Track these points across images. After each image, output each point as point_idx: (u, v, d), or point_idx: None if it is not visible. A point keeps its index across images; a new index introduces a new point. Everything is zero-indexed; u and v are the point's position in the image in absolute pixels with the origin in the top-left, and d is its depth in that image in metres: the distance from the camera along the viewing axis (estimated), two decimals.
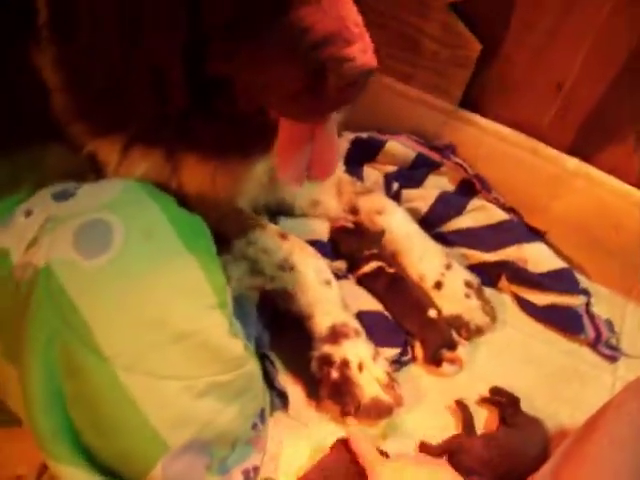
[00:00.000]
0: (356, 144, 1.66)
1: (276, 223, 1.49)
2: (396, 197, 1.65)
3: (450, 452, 1.22)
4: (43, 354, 0.96)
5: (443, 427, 1.29)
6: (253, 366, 1.12)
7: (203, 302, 1.05)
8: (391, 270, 1.46)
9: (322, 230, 1.54)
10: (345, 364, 1.25)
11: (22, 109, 1.24)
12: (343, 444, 1.18)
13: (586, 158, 1.55)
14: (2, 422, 1.12)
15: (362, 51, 0.92)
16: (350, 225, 1.52)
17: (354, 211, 1.55)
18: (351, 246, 1.50)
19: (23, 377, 0.97)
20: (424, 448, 1.25)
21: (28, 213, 1.09)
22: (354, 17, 0.94)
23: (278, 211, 1.53)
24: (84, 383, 0.96)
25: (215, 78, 1.02)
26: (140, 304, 1.00)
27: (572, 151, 1.56)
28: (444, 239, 1.61)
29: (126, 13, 0.97)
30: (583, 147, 1.55)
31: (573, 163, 1.55)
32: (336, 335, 1.27)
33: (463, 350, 1.39)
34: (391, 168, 1.70)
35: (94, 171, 1.25)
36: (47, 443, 0.96)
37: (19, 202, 1.14)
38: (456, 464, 1.20)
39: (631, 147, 1.48)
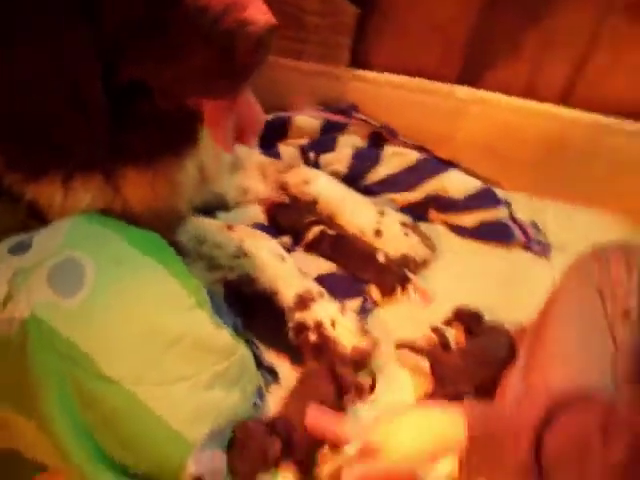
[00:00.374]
0: (266, 126, 1.69)
1: (215, 218, 1.53)
2: (315, 165, 1.72)
3: (430, 365, 1.34)
4: (58, 396, 1.00)
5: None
6: (243, 350, 1.19)
7: (184, 305, 1.12)
8: (332, 232, 1.55)
9: (258, 214, 1.60)
10: (319, 325, 1.32)
11: None
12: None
13: (474, 84, 1.67)
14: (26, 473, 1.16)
15: (260, 12, 0.96)
16: (283, 199, 1.60)
17: (283, 188, 1.62)
18: (290, 218, 1.57)
19: (46, 422, 1.01)
20: (403, 345, 1.38)
21: None
22: None
23: (214, 207, 1.57)
24: (102, 409, 1.01)
25: (130, 83, 1.05)
26: (130, 323, 1.05)
27: (461, 81, 1.67)
28: (370, 191, 1.69)
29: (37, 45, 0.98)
30: (470, 75, 1.66)
31: (464, 92, 1.67)
32: (303, 302, 1.34)
33: (418, 281, 1.51)
34: (304, 140, 1.76)
35: (35, 216, 1.25)
36: (87, 473, 1.01)
37: None
38: (439, 376, 1.32)
39: (512, 63, 1.61)
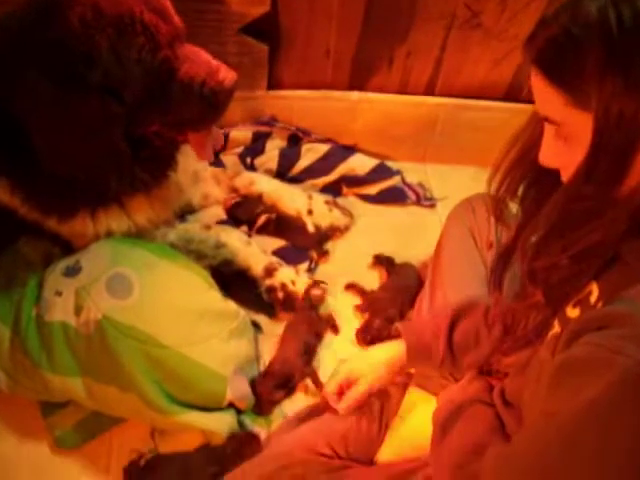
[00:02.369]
0: None
1: (186, 220, 1.89)
2: (252, 167, 2.08)
3: (370, 300, 1.79)
4: (136, 365, 1.37)
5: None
6: (243, 312, 1.60)
7: (202, 288, 1.51)
8: (273, 216, 1.94)
9: (220, 212, 1.96)
10: (283, 285, 1.72)
11: None
12: None
13: (362, 89, 2.07)
14: (105, 425, 1.56)
15: (227, 71, 1.26)
16: (237, 199, 1.97)
17: (234, 190, 1.98)
18: (244, 212, 1.94)
19: (132, 384, 1.37)
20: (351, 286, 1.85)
21: (58, 293, 1.41)
22: (209, 57, 1.28)
23: (184, 211, 1.91)
24: (165, 366, 1.39)
25: (140, 136, 1.33)
26: (171, 307, 1.43)
27: (351, 88, 2.06)
28: (296, 180, 2.08)
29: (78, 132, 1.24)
30: (357, 82, 2.05)
31: (355, 95, 2.06)
32: (269, 271, 1.74)
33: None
34: (240, 149, 2.09)
35: (59, 245, 1.54)
36: (161, 409, 1.40)
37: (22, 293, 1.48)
38: (376, 310, 1.74)
39: (387, 70, 2.03)
